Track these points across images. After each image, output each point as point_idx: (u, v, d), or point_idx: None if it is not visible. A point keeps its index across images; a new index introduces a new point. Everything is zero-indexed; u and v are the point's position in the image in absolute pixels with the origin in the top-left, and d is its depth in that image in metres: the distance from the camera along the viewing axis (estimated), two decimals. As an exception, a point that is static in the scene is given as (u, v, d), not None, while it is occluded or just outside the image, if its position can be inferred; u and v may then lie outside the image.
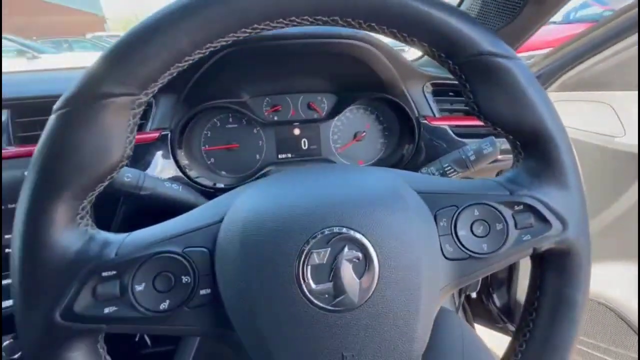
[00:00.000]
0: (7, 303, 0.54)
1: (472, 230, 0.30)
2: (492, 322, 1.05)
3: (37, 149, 0.25)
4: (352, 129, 0.71)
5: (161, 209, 0.50)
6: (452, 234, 0.30)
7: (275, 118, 0.68)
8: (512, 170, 0.33)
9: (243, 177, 0.67)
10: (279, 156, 0.69)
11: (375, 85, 0.62)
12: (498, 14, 0.56)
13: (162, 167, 0.58)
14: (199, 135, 0.66)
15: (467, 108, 0.67)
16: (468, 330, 0.55)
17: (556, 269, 0.31)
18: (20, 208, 0.24)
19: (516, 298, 0.91)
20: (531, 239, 0.30)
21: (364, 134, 0.70)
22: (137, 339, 0.78)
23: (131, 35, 0.25)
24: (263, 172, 0.66)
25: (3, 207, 0.48)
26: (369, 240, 0.26)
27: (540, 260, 0.32)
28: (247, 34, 0.27)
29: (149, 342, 0.77)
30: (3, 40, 5.69)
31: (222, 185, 0.63)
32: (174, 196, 0.47)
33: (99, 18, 19.17)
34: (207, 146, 0.66)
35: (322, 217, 0.27)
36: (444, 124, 0.63)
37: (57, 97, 0.54)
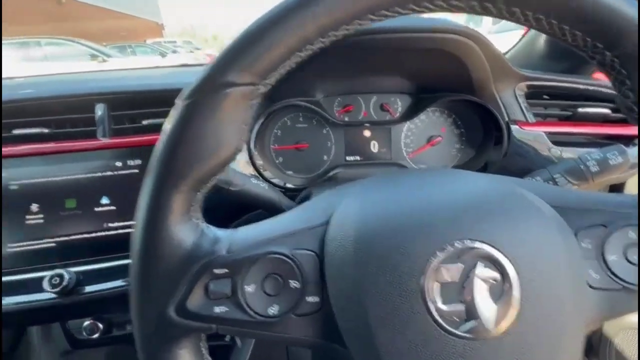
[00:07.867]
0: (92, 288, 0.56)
1: (626, 257, 0.25)
2: None
3: (161, 139, 0.24)
4: (426, 132, 0.66)
5: (241, 205, 0.50)
6: (599, 258, 0.25)
7: (346, 118, 0.65)
8: None
9: (310, 179, 0.66)
10: (347, 158, 0.66)
11: (461, 85, 0.57)
12: None
13: (236, 166, 0.58)
14: (269, 134, 0.65)
15: (562, 113, 0.60)
16: None
17: None
18: (143, 198, 0.24)
19: (601, 332, 0.80)
20: None
21: (439, 138, 0.66)
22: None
23: (258, 23, 0.23)
24: (330, 174, 0.64)
25: (103, 201, 0.52)
26: (507, 258, 0.23)
27: None
28: (371, 21, 0.25)
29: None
30: (79, 45, 6.39)
31: (291, 186, 0.62)
32: (260, 194, 0.46)
33: (158, 25, 20.82)
34: (276, 145, 0.66)
35: (450, 226, 0.23)
36: (539, 130, 0.56)
37: (149, 92, 0.56)
